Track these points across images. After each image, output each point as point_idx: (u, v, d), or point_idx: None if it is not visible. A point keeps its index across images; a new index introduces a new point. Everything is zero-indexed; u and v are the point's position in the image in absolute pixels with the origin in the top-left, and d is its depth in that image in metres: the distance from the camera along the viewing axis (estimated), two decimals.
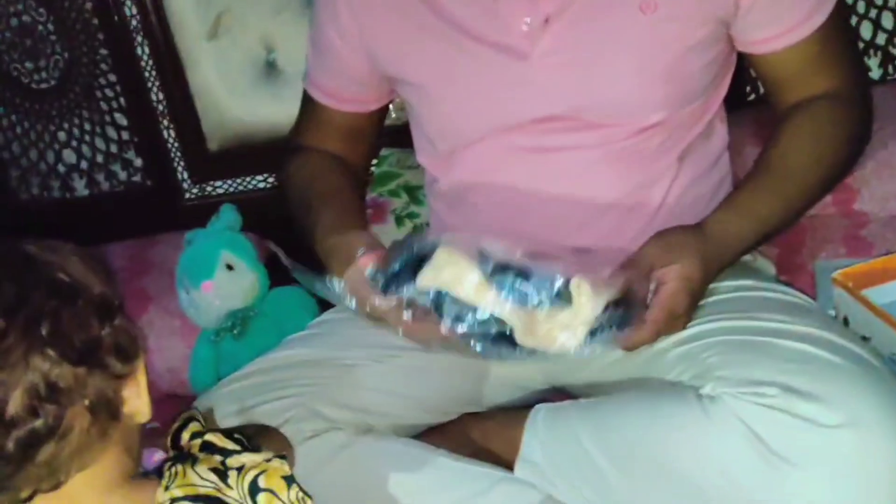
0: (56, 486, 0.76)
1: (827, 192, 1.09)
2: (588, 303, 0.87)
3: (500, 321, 0.88)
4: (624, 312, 0.89)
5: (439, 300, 0.89)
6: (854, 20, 1.45)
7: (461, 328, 0.89)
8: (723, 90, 1.10)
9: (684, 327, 0.95)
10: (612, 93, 1.01)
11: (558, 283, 0.88)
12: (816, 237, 1.26)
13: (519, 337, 0.88)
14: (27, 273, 0.75)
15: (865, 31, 1.46)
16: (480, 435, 1.10)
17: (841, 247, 1.24)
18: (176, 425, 0.90)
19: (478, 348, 0.90)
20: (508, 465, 1.04)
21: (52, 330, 0.73)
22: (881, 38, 1.46)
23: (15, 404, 0.71)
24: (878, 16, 1.44)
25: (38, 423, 0.72)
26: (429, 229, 1.29)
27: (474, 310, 0.88)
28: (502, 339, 0.89)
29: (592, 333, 0.87)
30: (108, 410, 0.78)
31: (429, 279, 0.89)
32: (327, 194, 1.14)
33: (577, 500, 0.98)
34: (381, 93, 1.19)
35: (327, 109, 1.21)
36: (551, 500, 0.99)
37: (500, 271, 0.89)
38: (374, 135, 1.25)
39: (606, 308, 0.88)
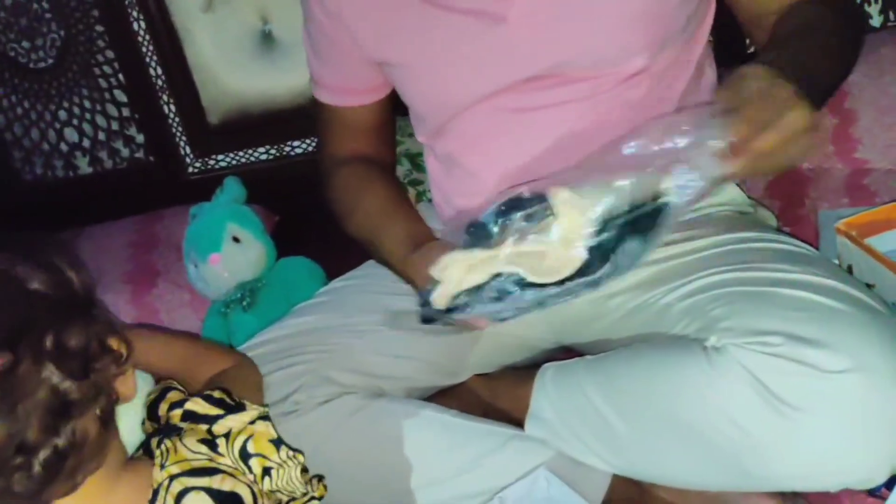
0: (74, 489, 0.78)
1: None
2: (573, 208, 0.84)
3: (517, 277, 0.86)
4: (637, 217, 0.84)
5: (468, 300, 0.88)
6: None
7: (496, 307, 0.87)
8: (705, 29, 1.09)
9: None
10: (592, 43, 1.00)
11: (545, 203, 0.85)
12: (819, 188, 1.26)
13: (536, 277, 0.85)
14: (8, 294, 0.75)
15: None
16: (490, 394, 1.12)
17: (843, 196, 1.24)
18: (152, 396, 0.91)
19: (510, 313, 0.88)
20: (519, 424, 1.05)
21: (55, 348, 0.74)
22: None
23: (34, 430, 0.73)
24: None
25: (59, 441, 0.74)
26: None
27: (489, 283, 0.86)
28: (529, 287, 0.86)
29: (608, 247, 0.83)
30: (111, 409, 0.79)
31: (443, 294, 0.88)
32: (382, 211, 1.14)
33: (588, 455, 1.00)
34: (381, 77, 1.17)
35: (340, 111, 1.21)
36: (562, 456, 1.01)
37: (503, 214, 0.87)
38: (389, 124, 1.25)
39: (610, 220, 0.84)
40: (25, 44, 1.66)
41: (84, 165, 1.76)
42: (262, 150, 1.68)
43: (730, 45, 1.11)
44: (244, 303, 1.37)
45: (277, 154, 1.68)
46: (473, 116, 1.07)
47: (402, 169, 1.47)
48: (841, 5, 1.05)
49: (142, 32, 1.61)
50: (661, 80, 1.04)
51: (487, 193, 1.01)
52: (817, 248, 1.13)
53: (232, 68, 1.63)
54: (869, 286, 1.00)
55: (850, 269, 1.05)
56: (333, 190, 1.21)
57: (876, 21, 1.47)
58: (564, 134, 1.04)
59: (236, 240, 1.37)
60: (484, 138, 1.08)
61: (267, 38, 1.61)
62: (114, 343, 0.80)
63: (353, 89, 1.19)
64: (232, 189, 1.44)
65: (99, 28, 1.63)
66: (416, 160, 1.46)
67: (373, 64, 1.14)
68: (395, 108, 1.24)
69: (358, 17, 1.09)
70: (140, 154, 1.73)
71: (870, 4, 1.46)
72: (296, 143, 1.67)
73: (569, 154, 0.97)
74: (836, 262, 1.08)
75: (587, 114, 1.03)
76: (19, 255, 0.77)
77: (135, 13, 1.60)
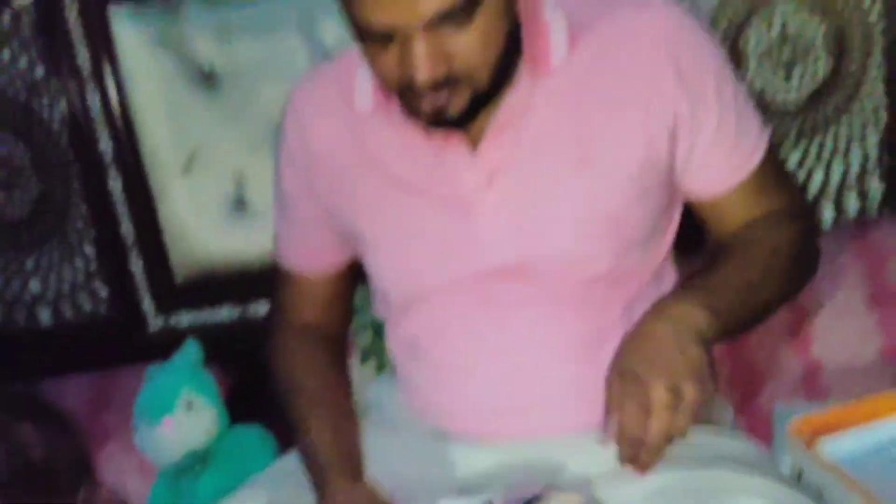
0: None
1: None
2: None
3: None
4: None
5: None
6: (807, 169, 1.51)
7: None
8: (669, 236, 1.12)
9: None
10: (555, 246, 1.03)
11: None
12: (775, 381, 1.28)
13: None
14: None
15: (818, 177, 1.52)
16: None
17: (799, 391, 1.25)
18: None
19: None
20: None
21: None
22: (833, 184, 1.52)
23: None
24: (829, 164, 1.51)
25: None
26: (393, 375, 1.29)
27: None
28: None
29: None
30: None
31: None
32: (318, 400, 1.14)
33: None
34: (346, 247, 1.19)
35: (299, 277, 1.21)
36: None
37: None
38: (348, 296, 1.25)
39: None
40: (1, 195, 1.69)
41: (46, 317, 1.75)
42: (225, 309, 1.69)
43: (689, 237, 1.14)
44: (194, 470, 1.34)
45: (241, 314, 1.68)
46: (436, 304, 1.09)
47: (366, 338, 1.48)
48: (798, 226, 1.07)
49: (117, 191, 1.64)
50: (621, 285, 1.07)
51: (452, 387, 1.01)
52: (772, 442, 1.13)
53: (203, 229, 1.66)
54: (819, 492, 0.99)
55: (801, 471, 1.05)
56: (276, 357, 1.20)
57: (829, 219, 1.53)
58: (523, 332, 1.05)
59: (190, 405, 1.36)
60: (444, 328, 1.09)
61: (240, 203, 1.65)
62: None
63: (315, 258, 1.20)
64: (190, 351, 1.43)
65: (76, 184, 1.66)
66: (380, 330, 1.46)
67: (338, 234, 1.16)
68: (355, 279, 1.26)
69: (329, 190, 1.12)
70: (102, 309, 1.73)
71: (845, 194, 1.52)
72: (260, 303, 1.68)
73: (530, 350, 0.98)
74: (789, 460, 1.08)
75: (546, 313, 1.05)
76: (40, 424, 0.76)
77: (113, 171, 1.64)
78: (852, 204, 1.52)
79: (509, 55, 0.97)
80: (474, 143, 1.04)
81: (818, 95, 1.48)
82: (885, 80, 1.46)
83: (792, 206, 1.08)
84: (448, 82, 0.92)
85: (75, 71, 1.59)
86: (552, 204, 1.02)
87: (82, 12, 1.57)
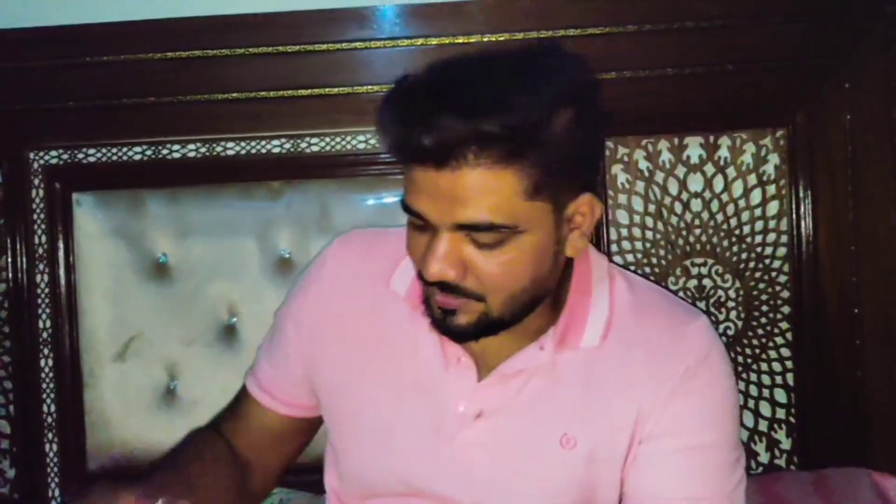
0: None
1: None
2: None
3: None
4: None
5: None
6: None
7: None
8: None
9: None
10: None
11: None
12: None
13: None
14: None
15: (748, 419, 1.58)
16: None
17: None
18: None
19: None
20: None
21: None
22: (763, 426, 1.59)
23: None
24: (757, 405, 1.58)
25: None
26: None
27: None
28: None
29: None
30: None
31: None
32: (196, 459, 1.11)
33: None
34: (312, 403, 1.18)
35: (256, 407, 1.19)
36: None
37: None
38: (290, 445, 1.22)
39: None
40: None
41: None
42: None
43: None
44: None
45: None
46: None
47: None
48: None
49: (47, 369, 1.62)
50: None
51: None
52: None
53: (127, 417, 1.63)
54: None
55: None
56: (194, 436, 1.19)
57: (764, 458, 1.58)
58: None
59: None
60: None
61: (170, 394, 1.64)
62: None
63: (283, 398, 1.18)
64: None
65: (5, 358, 1.64)
66: None
67: (312, 392, 1.15)
68: (303, 439, 1.24)
69: (331, 351, 1.11)
70: (5, 489, 1.65)
71: (755, 444, 1.58)
72: None
73: None
74: None
75: None
76: None
77: (46, 350, 1.62)
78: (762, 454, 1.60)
79: (534, 300, 0.98)
80: (485, 374, 1.04)
81: (730, 347, 1.59)
82: (790, 342, 1.58)
83: None
84: (456, 291, 0.94)
85: (30, 249, 1.62)
86: (522, 475, 1.03)
87: (47, 195, 1.62)
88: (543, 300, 1.01)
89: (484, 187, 0.88)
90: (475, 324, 0.96)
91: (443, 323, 0.98)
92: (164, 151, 1.60)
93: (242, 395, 1.23)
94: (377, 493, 1.09)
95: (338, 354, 1.11)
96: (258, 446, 1.20)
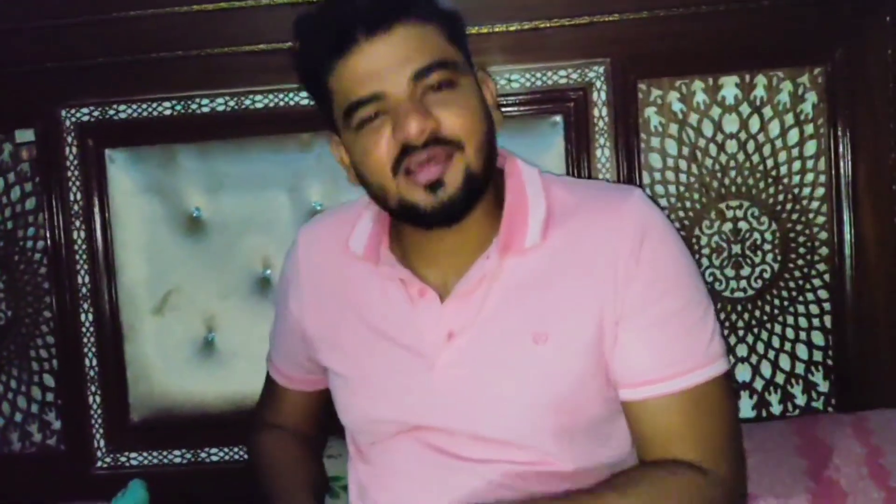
0: None
1: None
2: None
3: None
4: None
5: None
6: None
7: None
8: (621, 445, 1.10)
9: None
10: (502, 417, 1.05)
11: None
12: None
13: None
14: None
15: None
16: None
17: None
18: None
19: None
20: None
21: None
22: (800, 368, 1.58)
23: None
24: (794, 348, 1.57)
25: None
26: None
27: None
28: None
29: None
30: None
31: None
32: (283, 472, 1.23)
33: None
34: (318, 379, 1.30)
35: (283, 389, 1.34)
36: None
37: None
38: (323, 410, 1.34)
39: None
40: None
41: None
42: (177, 452, 1.67)
43: None
44: None
45: (192, 459, 1.66)
46: (398, 447, 1.11)
47: None
48: (719, 487, 1.03)
49: (87, 324, 1.66)
50: (573, 482, 1.05)
51: None
52: None
53: (167, 370, 1.66)
54: None
55: None
56: (256, 455, 1.30)
57: (801, 401, 1.58)
58: (479, 493, 1.05)
59: None
60: (402, 473, 1.11)
61: (208, 346, 1.67)
62: None
63: (298, 379, 1.32)
64: (135, 493, 1.41)
65: (47, 314, 1.68)
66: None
67: (318, 365, 1.24)
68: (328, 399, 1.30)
69: (316, 324, 1.21)
70: (52, 441, 1.70)
71: (792, 386, 1.57)
72: (213, 451, 1.66)
73: None
74: None
75: (500, 481, 1.06)
76: None
77: (86, 305, 1.66)
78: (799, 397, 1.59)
79: (489, 163, 1.05)
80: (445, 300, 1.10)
81: (766, 290, 1.57)
82: (828, 285, 1.56)
83: (715, 468, 1.03)
84: (439, 142, 1.00)
85: (65, 206, 1.65)
86: (501, 377, 1.05)
87: (80, 152, 1.64)
88: (489, 182, 1.08)
89: (421, 36, 1.02)
90: (462, 184, 1.02)
91: (435, 201, 1.03)
92: (194, 106, 1.61)
93: (269, 381, 1.36)
94: (379, 437, 1.14)
95: (324, 325, 1.20)
96: (301, 420, 1.34)
